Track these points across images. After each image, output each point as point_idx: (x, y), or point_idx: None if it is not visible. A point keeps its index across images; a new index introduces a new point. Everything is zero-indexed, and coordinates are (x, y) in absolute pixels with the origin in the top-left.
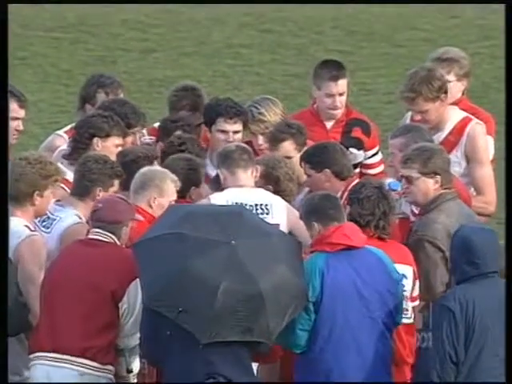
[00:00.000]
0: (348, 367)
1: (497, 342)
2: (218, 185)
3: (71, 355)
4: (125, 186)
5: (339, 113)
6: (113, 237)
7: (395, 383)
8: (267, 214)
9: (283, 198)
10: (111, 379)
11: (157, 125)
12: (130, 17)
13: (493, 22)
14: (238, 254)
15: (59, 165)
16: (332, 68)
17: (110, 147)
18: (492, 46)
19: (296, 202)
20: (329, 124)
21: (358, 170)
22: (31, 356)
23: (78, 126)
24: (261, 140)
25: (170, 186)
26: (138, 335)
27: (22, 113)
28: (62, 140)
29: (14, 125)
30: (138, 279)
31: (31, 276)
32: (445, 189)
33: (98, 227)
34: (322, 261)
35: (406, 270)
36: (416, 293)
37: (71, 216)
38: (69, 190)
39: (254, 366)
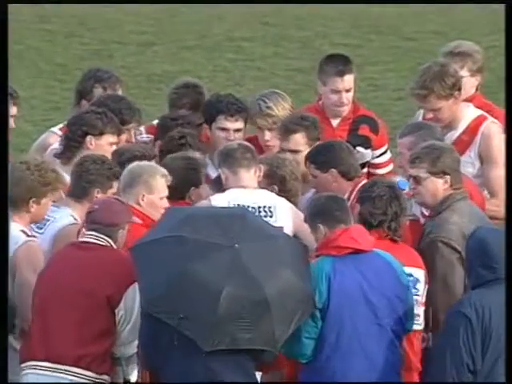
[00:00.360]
0: (356, 376)
1: None
2: (219, 185)
3: (65, 364)
4: None
5: (346, 110)
6: (109, 240)
7: None
8: (271, 216)
9: (288, 199)
10: None
11: (155, 122)
12: (128, 11)
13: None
14: (241, 257)
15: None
16: (338, 62)
17: (103, 146)
18: None
19: (302, 202)
20: (335, 121)
21: (365, 170)
22: (23, 365)
23: (71, 122)
24: (267, 136)
25: (160, 182)
26: (136, 343)
27: (13, 110)
28: (56, 137)
29: None
30: (135, 284)
31: (28, 282)
32: (454, 189)
33: (94, 229)
34: (329, 265)
35: (419, 274)
36: (425, 299)
37: (66, 216)
38: (63, 193)
39: (258, 375)
